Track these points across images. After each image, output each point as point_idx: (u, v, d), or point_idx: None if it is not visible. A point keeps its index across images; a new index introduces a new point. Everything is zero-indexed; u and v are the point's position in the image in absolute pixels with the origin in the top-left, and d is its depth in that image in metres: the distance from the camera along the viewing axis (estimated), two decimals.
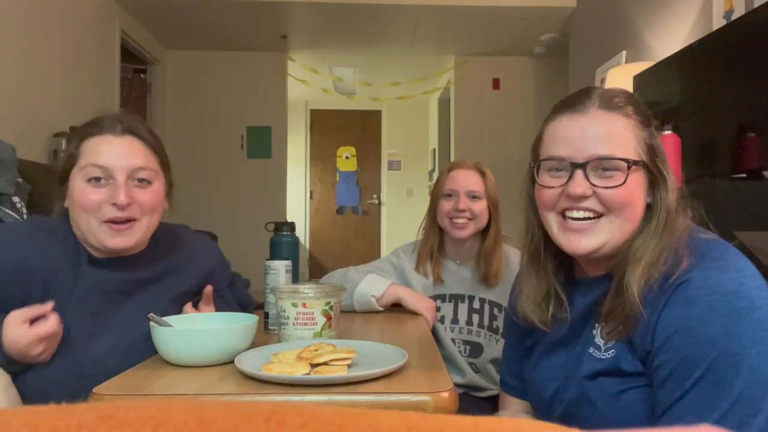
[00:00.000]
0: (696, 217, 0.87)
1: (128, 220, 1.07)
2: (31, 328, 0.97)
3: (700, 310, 0.73)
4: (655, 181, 0.86)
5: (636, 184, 0.84)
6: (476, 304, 1.65)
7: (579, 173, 0.84)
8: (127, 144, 1.09)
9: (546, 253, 0.96)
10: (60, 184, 1.11)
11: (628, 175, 0.83)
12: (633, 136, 0.85)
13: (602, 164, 0.83)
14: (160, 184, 1.15)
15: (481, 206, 1.61)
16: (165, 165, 1.18)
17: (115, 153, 1.07)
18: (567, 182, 0.85)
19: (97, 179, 1.06)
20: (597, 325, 0.87)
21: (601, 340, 0.86)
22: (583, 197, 0.84)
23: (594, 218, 0.85)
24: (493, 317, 1.64)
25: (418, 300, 1.51)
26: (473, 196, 1.61)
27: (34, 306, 0.99)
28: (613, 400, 0.82)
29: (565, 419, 0.91)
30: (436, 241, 1.68)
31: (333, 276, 1.64)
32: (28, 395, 1.02)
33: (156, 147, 1.14)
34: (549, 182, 0.88)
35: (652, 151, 0.86)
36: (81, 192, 1.06)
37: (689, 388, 0.72)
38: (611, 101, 0.86)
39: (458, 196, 1.61)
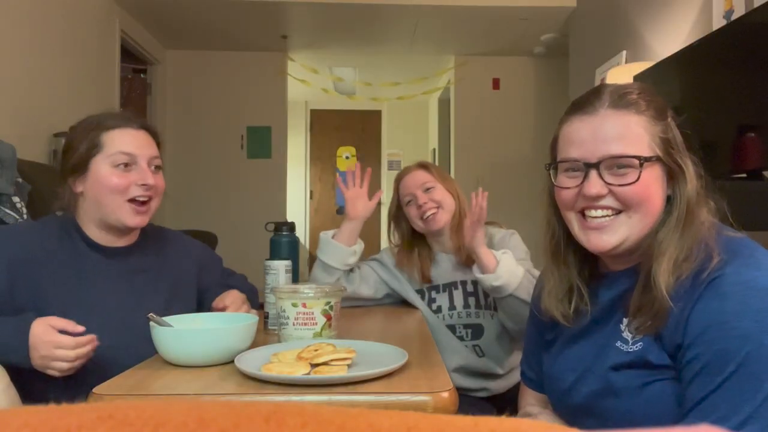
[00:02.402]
0: (719, 209, 0.87)
1: (147, 201, 1.24)
2: (54, 332, 1.02)
3: (734, 305, 0.74)
4: (673, 174, 0.87)
5: (651, 179, 0.85)
6: (470, 288, 1.68)
7: (593, 173, 0.85)
8: (144, 136, 1.27)
9: (567, 249, 0.97)
10: (75, 172, 1.22)
11: (641, 171, 0.83)
12: (645, 132, 0.85)
13: (615, 162, 0.84)
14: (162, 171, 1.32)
15: (439, 193, 1.66)
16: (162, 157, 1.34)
17: (138, 143, 1.25)
18: (582, 182, 0.87)
19: (125, 165, 1.22)
20: (624, 319, 0.87)
21: (629, 334, 0.86)
22: (599, 197, 0.86)
23: (613, 215, 0.86)
24: (486, 294, 1.65)
25: (345, 218, 1.64)
26: (427, 189, 1.66)
27: (68, 320, 1.05)
28: (638, 392, 0.83)
29: (583, 411, 0.91)
30: (423, 247, 1.72)
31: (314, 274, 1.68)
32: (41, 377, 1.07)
33: (159, 140, 1.33)
34: (566, 183, 0.90)
35: (667, 144, 0.86)
36: (109, 175, 1.21)
37: (722, 382, 0.73)
38: (622, 99, 0.86)
39: (415, 198, 1.66)
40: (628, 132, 0.85)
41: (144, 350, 1.05)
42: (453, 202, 1.67)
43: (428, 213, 1.64)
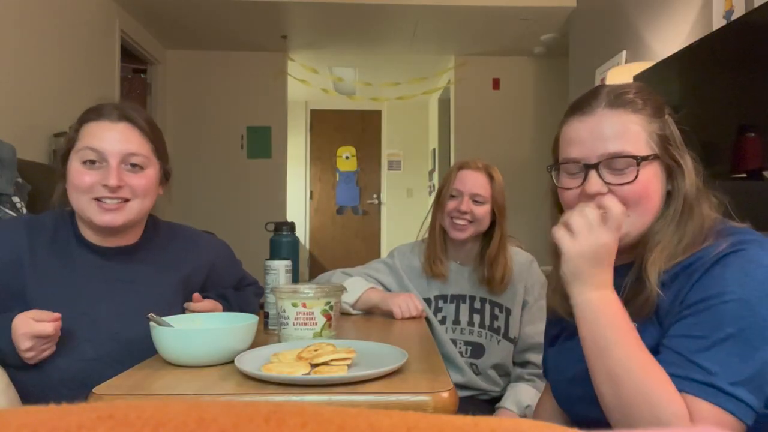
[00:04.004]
0: (721, 204, 0.89)
1: (121, 200, 1.14)
2: (30, 323, 1.01)
3: (736, 273, 0.76)
4: (672, 170, 0.89)
5: (650, 177, 0.87)
6: (477, 304, 1.65)
7: (593, 173, 0.88)
8: (121, 130, 1.15)
9: None
10: (61, 165, 1.17)
11: (638, 170, 0.85)
12: (643, 130, 0.87)
13: (614, 162, 0.86)
14: (154, 170, 1.20)
15: (483, 211, 1.60)
16: (160, 152, 1.22)
17: (110, 138, 1.13)
18: (583, 182, 0.89)
19: (92, 162, 1.12)
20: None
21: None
22: (598, 194, 0.88)
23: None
24: (494, 317, 1.64)
25: (389, 298, 1.52)
26: (477, 200, 1.60)
27: (43, 311, 1.04)
28: None
29: (586, 400, 0.92)
30: (439, 242, 1.67)
31: (320, 279, 1.65)
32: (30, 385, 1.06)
33: (150, 135, 1.19)
34: (568, 183, 0.92)
35: (665, 141, 0.88)
36: (76, 173, 1.12)
37: (717, 341, 0.74)
38: (619, 98, 0.88)
39: (462, 197, 1.60)
40: (625, 130, 0.87)
41: (128, 360, 1.01)
42: (487, 223, 1.61)
43: (460, 222, 1.60)
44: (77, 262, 1.16)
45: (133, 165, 1.15)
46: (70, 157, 1.14)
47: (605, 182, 0.87)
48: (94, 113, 1.16)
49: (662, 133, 0.88)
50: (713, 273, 0.77)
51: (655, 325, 0.84)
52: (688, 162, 0.88)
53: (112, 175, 1.11)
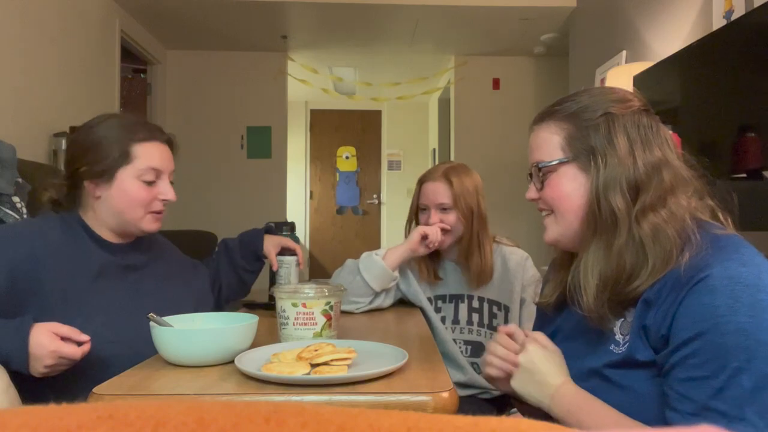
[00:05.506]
0: (708, 207, 0.88)
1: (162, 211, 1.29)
2: (58, 342, 1.02)
3: (725, 299, 0.75)
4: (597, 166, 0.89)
5: (560, 179, 0.91)
6: (475, 303, 1.66)
7: (530, 180, 0.97)
8: (167, 150, 1.29)
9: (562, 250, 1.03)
10: (99, 178, 1.22)
11: (542, 177, 0.93)
12: (554, 135, 0.92)
13: (534, 172, 0.95)
14: None
15: (452, 217, 1.61)
16: None
17: (164, 157, 1.27)
18: None
19: (152, 181, 1.24)
20: (617, 321, 0.88)
21: (620, 336, 0.87)
22: (532, 200, 0.97)
23: (546, 215, 0.97)
24: (492, 315, 1.65)
25: (407, 242, 1.60)
26: (443, 209, 1.62)
27: (62, 325, 1.04)
28: (625, 391, 0.84)
29: None
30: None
31: (334, 275, 1.66)
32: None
33: (175, 152, 1.34)
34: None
35: (582, 140, 0.89)
36: (136, 189, 1.23)
37: (728, 379, 0.73)
38: (546, 112, 0.95)
39: (429, 210, 1.64)
40: (542, 141, 0.94)
41: (145, 346, 1.04)
42: (461, 227, 1.62)
43: None
44: (91, 259, 1.22)
45: (171, 181, 1.29)
46: (119, 173, 1.21)
47: (537, 189, 0.95)
48: (142, 132, 1.24)
49: (578, 134, 0.89)
50: (702, 301, 0.76)
51: (643, 337, 0.83)
52: (611, 161, 0.86)
53: (171, 191, 1.27)
